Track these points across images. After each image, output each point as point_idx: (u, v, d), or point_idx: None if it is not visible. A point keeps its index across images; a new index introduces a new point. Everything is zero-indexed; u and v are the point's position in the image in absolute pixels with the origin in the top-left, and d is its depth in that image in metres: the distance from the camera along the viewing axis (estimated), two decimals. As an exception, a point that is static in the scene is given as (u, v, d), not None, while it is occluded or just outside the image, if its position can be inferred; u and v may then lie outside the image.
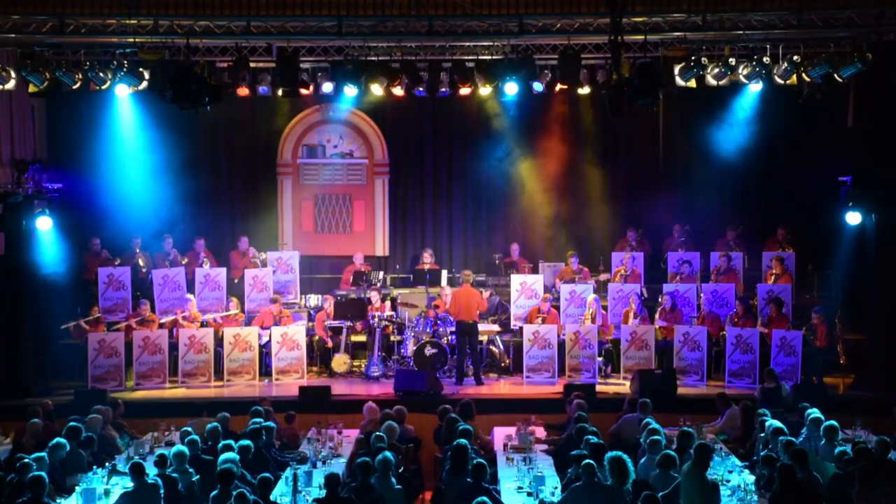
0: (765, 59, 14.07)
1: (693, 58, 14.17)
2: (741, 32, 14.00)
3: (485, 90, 14.80)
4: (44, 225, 15.00)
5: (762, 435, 10.69)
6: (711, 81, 14.28)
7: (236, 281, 16.56)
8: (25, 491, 8.72)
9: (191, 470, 9.58)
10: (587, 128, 17.77)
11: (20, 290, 14.59)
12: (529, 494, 9.52)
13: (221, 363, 15.00)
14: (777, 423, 10.62)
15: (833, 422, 10.46)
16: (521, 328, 15.49)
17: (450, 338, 15.35)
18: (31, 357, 14.77)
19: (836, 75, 13.93)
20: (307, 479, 9.79)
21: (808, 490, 8.82)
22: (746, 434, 11.50)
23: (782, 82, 14.31)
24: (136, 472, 9.07)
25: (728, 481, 9.68)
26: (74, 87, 14.47)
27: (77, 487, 9.45)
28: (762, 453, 10.10)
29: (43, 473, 8.86)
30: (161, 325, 15.40)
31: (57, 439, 10.16)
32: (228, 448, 9.84)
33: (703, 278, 16.16)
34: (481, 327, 15.18)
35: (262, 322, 15.44)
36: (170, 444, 10.90)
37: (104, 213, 17.30)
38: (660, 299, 15.76)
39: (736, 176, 17.52)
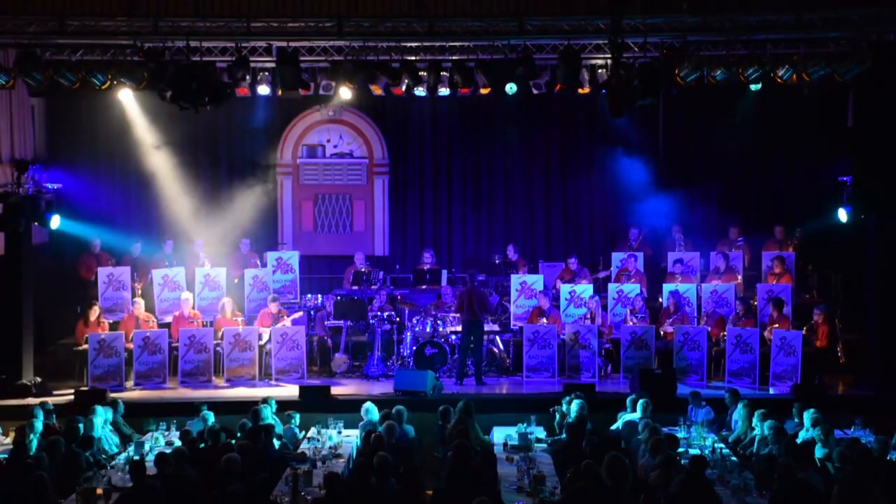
0: (765, 59, 14.07)
1: (693, 58, 14.17)
2: (741, 32, 14.00)
3: (485, 90, 14.81)
4: (54, 224, 15.14)
5: (762, 435, 10.69)
6: (712, 81, 14.28)
7: (236, 281, 16.56)
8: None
9: (191, 470, 9.57)
10: (587, 128, 17.80)
11: (20, 290, 14.57)
12: (529, 494, 9.51)
13: (221, 363, 15.01)
14: (777, 423, 10.64)
15: (819, 427, 10.48)
16: (520, 328, 15.49)
17: (448, 338, 15.35)
18: (31, 357, 14.75)
19: (835, 75, 13.93)
20: (307, 479, 9.79)
21: (809, 490, 8.82)
22: (746, 434, 11.49)
23: (782, 82, 14.31)
24: (136, 471, 9.07)
25: (728, 481, 9.68)
26: (74, 87, 14.46)
27: (77, 487, 9.45)
28: (762, 453, 10.10)
29: (44, 473, 8.87)
30: (161, 325, 15.44)
31: (55, 437, 10.19)
32: (228, 448, 9.84)
33: (703, 278, 16.18)
34: (480, 327, 15.19)
35: (262, 322, 15.45)
36: (170, 444, 10.92)
37: (104, 213, 17.36)
38: (660, 300, 15.77)
39: (736, 176, 17.57)
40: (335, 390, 14.13)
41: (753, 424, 11.18)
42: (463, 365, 14.79)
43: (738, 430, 11.66)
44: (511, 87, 14.43)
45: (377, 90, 14.85)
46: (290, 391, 14.12)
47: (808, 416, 11.01)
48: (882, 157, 14.21)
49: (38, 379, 14.60)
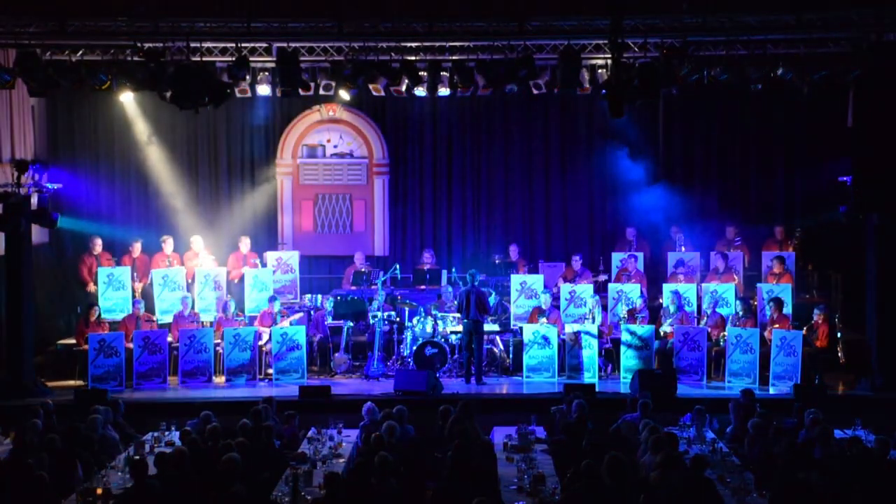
0: (765, 59, 14.07)
1: (693, 58, 14.16)
2: (741, 32, 14.00)
3: (485, 90, 14.80)
4: (57, 224, 15.25)
5: (752, 436, 10.67)
6: (712, 81, 14.27)
7: (236, 282, 16.56)
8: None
9: (191, 470, 9.56)
10: (587, 128, 17.80)
11: (20, 290, 14.57)
12: (529, 494, 9.51)
13: (221, 363, 15.01)
14: (777, 424, 10.63)
15: (819, 427, 10.47)
16: (521, 328, 15.49)
17: (448, 337, 15.34)
18: (31, 357, 14.76)
19: (835, 75, 13.94)
20: (307, 479, 9.78)
21: (809, 490, 8.81)
22: (746, 433, 11.47)
23: (782, 82, 14.31)
24: (138, 471, 9.07)
25: (728, 481, 9.68)
26: (74, 87, 14.45)
27: (77, 487, 9.45)
28: (753, 450, 10.10)
29: (44, 473, 8.87)
30: (161, 325, 15.45)
31: (55, 437, 10.19)
32: (228, 448, 9.84)
33: (703, 278, 16.18)
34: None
35: (262, 322, 15.46)
36: (170, 444, 10.91)
37: (104, 212, 17.38)
38: (660, 300, 15.77)
39: (735, 176, 17.59)
40: (335, 390, 14.14)
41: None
42: (469, 364, 14.80)
43: (732, 427, 11.66)
44: (511, 88, 14.45)
45: (377, 90, 14.85)
46: (290, 391, 14.12)
47: (808, 416, 11.00)
48: (882, 157, 14.22)
49: (39, 379, 14.62)
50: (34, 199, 15.00)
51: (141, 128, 17.22)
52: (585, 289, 15.85)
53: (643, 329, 14.85)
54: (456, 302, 15.26)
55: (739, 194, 17.62)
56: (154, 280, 16.04)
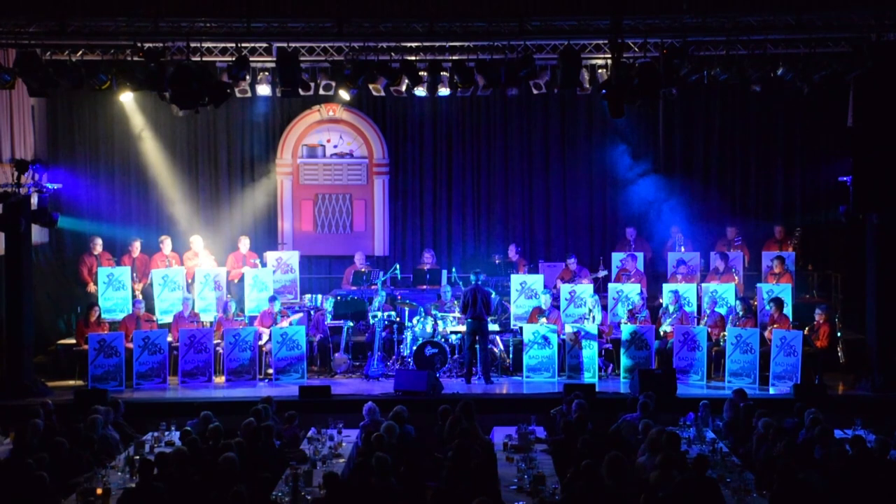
0: (765, 59, 14.07)
1: (693, 58, 14.16)
2: (741, 32, 14.00)
3: (485, 90, 14.81)
4: (57, 224, 15.32)
5: (761, 434, 10.68)
6: (712, 81, 14.27)
7: (236, 282, 16.56)
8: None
9: (191, 470, 9.56)
10: (587, 128, 17.81)
11: (20, 290, 14.56)
12: (529, 494, 9.51)
13: (221, 363, 15.00)
14: (778, 424, 10.63)
15: (819, 427, 10.47)
16: (521, 328, 15.49)
17: (448, 337, 15.34)
18: (31, 357, 14.76)
19: (835, 75, 13.94)
20: (307, 479, 9.79)
21: (809, 490, 8.82)
22: (746, 433, 11.48)
23: (782, 82, 14.30)
24: (144, 470, 9.08)
25: (728, 480, 9.68)
26: (74, 87, 14.45)
27: (77, 487, 9.45)
28: (761, 451, 10.10)
29: (44, 473, 8.87)
30: (161, 325, 15.45)
31: (56, 437, 10.19)
32: (228, 448, 9.84)
33: (703, 278, 16.18)
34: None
35: (262, 322, 15.46)
36: (170, 444, 10.91)
37: (104, 213, 17.38)
38: (660, 300, 15.76)
39: (735, 176, 17.60)
40: (335, 390, 14.14)
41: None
42: (471, 365, 14.79)
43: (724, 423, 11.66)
44: (512, 92, 14.49)
45: (377, 90, 14.85)
46: (290, 391, 14.12)
47: (808, 416, 11.01)
48: (882, 157, 14.21)
49: (39, 379, 14.62)
50: (34, 199, 14.97)
51: (141, 128, 17.25)
52: (585, 289, 15.85)
53: (643, 329, 14.85)
54: (460, 301, 15.20)
55: (739, 194, 17.64)
56: (154, 280, 16.04)
